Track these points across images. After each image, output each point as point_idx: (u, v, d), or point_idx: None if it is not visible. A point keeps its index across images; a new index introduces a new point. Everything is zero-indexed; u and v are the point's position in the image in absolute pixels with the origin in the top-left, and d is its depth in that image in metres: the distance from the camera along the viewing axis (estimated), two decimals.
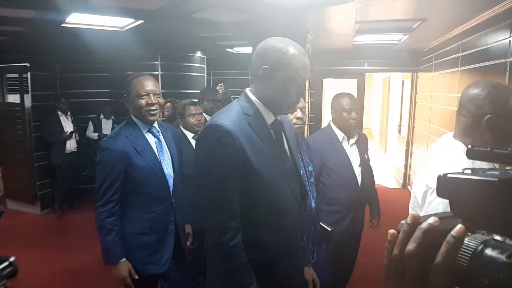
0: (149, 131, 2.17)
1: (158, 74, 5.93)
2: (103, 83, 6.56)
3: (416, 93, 6.80)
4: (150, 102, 2.08)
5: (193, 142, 2.98)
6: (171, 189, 2.18)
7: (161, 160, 2.16)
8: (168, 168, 2.19)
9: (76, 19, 3.72)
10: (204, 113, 3.31)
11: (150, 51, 5.83)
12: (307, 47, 4.41)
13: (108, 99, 6.48)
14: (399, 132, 7.96)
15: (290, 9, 3.39)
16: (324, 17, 3.74)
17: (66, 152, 5.49)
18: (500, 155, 0.54)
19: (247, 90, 1.52)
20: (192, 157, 2.05)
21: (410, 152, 6.98)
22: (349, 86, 6.59)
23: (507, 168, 0.51)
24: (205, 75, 6.81)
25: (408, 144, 7.04)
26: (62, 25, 3.85)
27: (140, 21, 3.88)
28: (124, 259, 2.03)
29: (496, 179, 0.46)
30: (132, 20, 3.85)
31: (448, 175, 0.52)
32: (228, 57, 7.23)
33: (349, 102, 2.65)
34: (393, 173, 8.14)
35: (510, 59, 2.92)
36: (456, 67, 4.35)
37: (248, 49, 5.98)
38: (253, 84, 1.50)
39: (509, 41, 2.95)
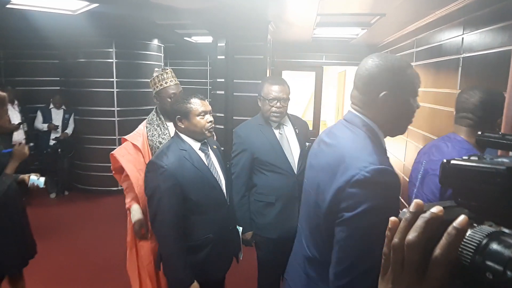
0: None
1: (112, 62, 5.69)
2: (53, 70, 6.20)
3: None
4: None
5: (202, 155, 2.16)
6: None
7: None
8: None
9: (23, 0, 3.46)
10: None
11: (104, 37, 5.58)
12: (269, 39, 4.39)
13: (58, 88, 6.14)
14: None
15: None
16: (287, 7, 3.72)
17: (12, 143, 5.13)
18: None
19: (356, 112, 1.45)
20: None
21: None
22: (308, 78, 6.65)
23: None
24: (162, 64, 6.64)
25: None
26: (8, 5, 3.57)
27: (94, 5, 3.67)
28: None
29: (503, 167, 0.43)
30: (86, 3, 3.64)
31: (452, 162, 0.49)
32: (186, 46, 7.07)
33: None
34: None
35: (462, 55, 3.05)
36: (411, 62, 4.50)
37: (207, 39, 5.85)
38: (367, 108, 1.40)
39: (462, 38, 3.08)
